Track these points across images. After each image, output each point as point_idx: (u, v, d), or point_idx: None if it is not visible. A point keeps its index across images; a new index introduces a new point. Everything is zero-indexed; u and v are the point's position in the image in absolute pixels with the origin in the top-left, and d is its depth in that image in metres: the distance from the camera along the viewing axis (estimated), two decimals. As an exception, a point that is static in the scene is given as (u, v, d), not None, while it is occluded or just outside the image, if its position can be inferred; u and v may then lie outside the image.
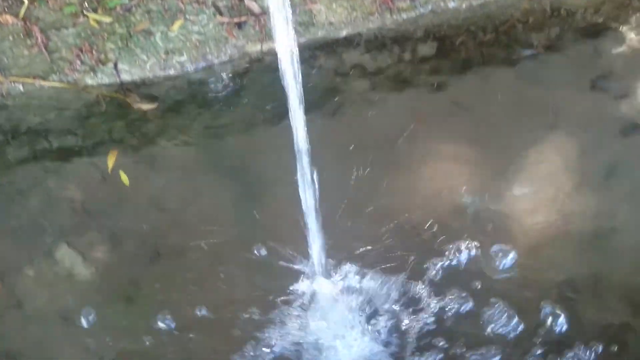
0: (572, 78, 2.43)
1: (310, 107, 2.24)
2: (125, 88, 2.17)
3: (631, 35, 2.51)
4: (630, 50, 2.48)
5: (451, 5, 2.44)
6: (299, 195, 1.56)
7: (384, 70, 2.41)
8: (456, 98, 2.32)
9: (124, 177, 1.92)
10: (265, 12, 2.23)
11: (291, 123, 1.45)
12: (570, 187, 2.09)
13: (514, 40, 2.53)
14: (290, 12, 1.24)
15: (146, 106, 2.12)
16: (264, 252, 1.82)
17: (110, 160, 1.96)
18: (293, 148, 1.50)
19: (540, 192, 2.07)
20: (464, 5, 2.46)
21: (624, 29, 2.55)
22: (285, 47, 1.30)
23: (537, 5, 2.55)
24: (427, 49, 2.47)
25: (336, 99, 2.30)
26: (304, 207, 1.56)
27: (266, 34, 2.26)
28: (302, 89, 1.41)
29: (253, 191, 1.96)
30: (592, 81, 2.41)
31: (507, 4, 2.50)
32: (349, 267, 1.80)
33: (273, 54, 1.32)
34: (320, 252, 1.65)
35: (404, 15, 2.39)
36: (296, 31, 2.23)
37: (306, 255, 1.74)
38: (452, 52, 2.48)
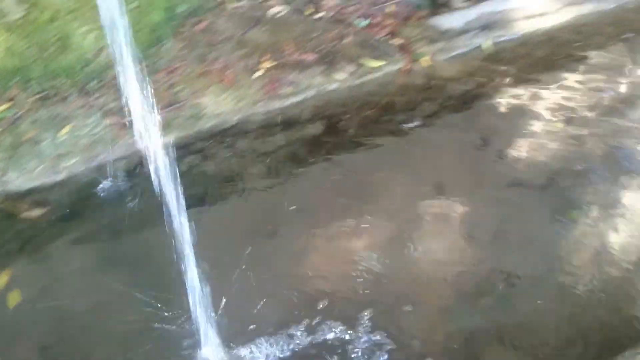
0: (454, 142, 2.61)
1: (205, 198, 2.31)
2: (13, 197, 2.14)
3: (502, 100, 2.74)
4: (502, 113, 2.69)
5: (333, 86, 2.59)
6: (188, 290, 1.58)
7: (277, 153, 2.50)
8: (349, 172, 2.43)
9: (14, 296, 1.87)
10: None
11: (172, 222, 1.48)
12: (462, 244, 2.21)
13: (396, 112, 2.70)
14: (157, 115, 1.31)
15: (35, 213, 2.10)
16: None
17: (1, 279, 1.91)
18: (178, 246, 1.53)
19: (433, 250, 2.16)
20: (345, 86, 2.61)
21: (494, 94, 2.78)
22: (153, 149, 1.35)
23: (412, 80, 2.75)
24: (315, 129, 2.59)
25: (232, 187, 2.36)
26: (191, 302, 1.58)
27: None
28: (179, 187, 1.46)
29: (146, 290, 1.95)
30: (473, 143, 2.60)
31: (384, 81, 2.68)
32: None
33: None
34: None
35: (290, 100, 2.51)
36: (184, 125, 2.31)
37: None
38: (340, 129, 2.62)
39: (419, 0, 3.27)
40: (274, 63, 2.61)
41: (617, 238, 2.18)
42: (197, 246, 1.69)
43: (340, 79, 2.60)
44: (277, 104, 2.50)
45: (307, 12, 2.95)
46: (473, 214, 2.27)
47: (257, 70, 2.58)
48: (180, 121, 2.38)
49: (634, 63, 2.87)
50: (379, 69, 2.67)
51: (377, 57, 2.70)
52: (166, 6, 2.68)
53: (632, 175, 2.40)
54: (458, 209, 2.29)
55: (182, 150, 2.35)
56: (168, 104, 2.43)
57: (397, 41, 2.84)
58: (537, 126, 2.63)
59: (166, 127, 2.33)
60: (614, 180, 2.38)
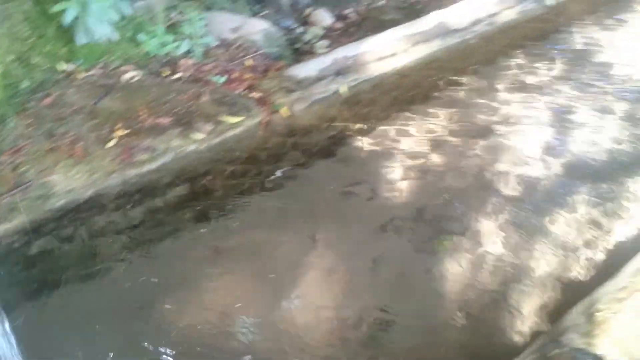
0: (324, 189, 2.62)
1: (59, 283, 2.16)
2: None
3: (365, 141, 2.79)
4: (367, 154, 2.74)
5: (192, 147, 2.53)
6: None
7: (139, 224, 2.40)
8: (220, 236, 2.37)
9: None
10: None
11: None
12: (339, 289, 2.19)
13: (261, 166, 2.68)
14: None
15: None
16: None
17: None
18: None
19: (314, 296, 2.14)
20: (204, 146, 2.56)
21: (357, 136, 2.82)
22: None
23: (273, 131, 2.75)
24: (179, 193, 2.51)
25: (91, 268, 2.24)
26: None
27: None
28: None
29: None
30: (343, 188, 2.61)
31: (245, 135, 2.66)
32: None
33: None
34: None
35: (147, 166, 2.43)
36: (33, 207, 2.17)
37: None
38: (206, 191, 2.56)
39: (278, 51, 3.31)
40: (128, 130, 2.53)
41: (484, 262, 2.24)
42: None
43: (199, 139, 2.56)
44: (133, 172, 2.42)
45: (164, 74, 2.91)
46: (348, 260, 2.28)
47: (110, 139, 2.49)
48: (28, 203, 2.24)
49: (489, 91, 3.01)
50: (238, 124, 2.65)
51: (235, 113, 2.69)
52: (5, 84, 2.55)
53: (495, 200, 2.49)
54: (333, 258, 2.28)
55: (32, 234, 2.21)
56: (13, 186, 2.28)
57: (255, 94, 2.84)
58: (402, 162, 2.69)
59: (11, 212, 2.18)
60: (478, 206, 2.46)
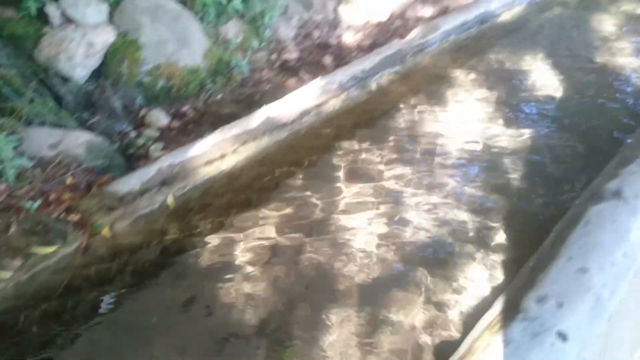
0: (157, 310, 2.44)
1: None
2: None
3: (200, 251, 2.65)
4: (203, 265, 2.60)
5: (-3, 288, 2.28)
6: None
7: None
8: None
9: None
10: None
11: None
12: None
13: (85, 294, 2.47)
14: None
15: None
16: None
17: None
18: None
19: None
20: (13, 284, 2.32)
21: (191, 247, 2.69)
22: None
23: (95, 255, 2.55)
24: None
25: None
26: None
27: None
28: None
29: None
30: (177, 307, 2.45)
31: (59, 266, 2.46)
32: None
33: None
34: None
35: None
36: None
37: None
38: (19, 332, 2.29)
39: (105, 163, 3.14)
40: None
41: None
42: None
43: (6, 278, 2.30)
44: None
45: (-31, 206, 2.64)
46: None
47: None
48: None
49: (323, 182, 3.02)
50: (53, 254, 2.43)
51: (49, 242, 2.48)
52: None
53: (334, 299, 2.44)
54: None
55: None
56: None
57: (74, 216, 2.65)
58: (238, 271, 2.59)
59: None
60: (320, 308, 2.39)
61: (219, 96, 4.17)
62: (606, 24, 4.58)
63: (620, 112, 3.53)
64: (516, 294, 2.13)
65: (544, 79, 3.86)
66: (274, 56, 4.62)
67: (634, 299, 2.31)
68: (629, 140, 3.04)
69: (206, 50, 4.17)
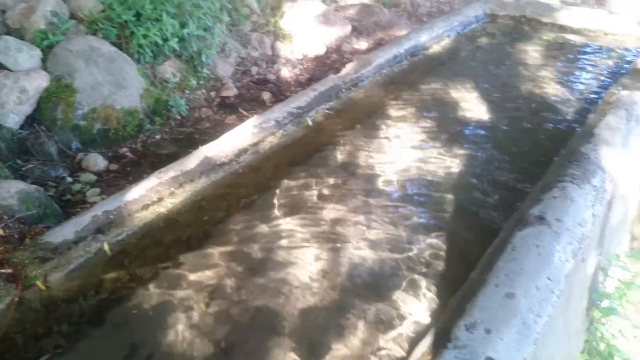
0: (104, 356, 2.40)
1: None
2: None
3: (139, 300, 2.63)
4: (145, 312, 2.57)
5: None
6: None
7: None
8: None
9: None
10: None
11: None
12: None
13: (18, 353, 2.40)
14: None
15: None
16: None
17: None
18: None
19: None
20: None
21: (129, 295, 2.66)
22: None
23: (27, 310, 2.50)
24: None
25: None
26: None
27: None
28: None
29: None
30: (124, 356, 2.41)
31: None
32: None
33: None
34: None
35: None
36: None
37: None
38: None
39: (39, 212, 3.10)
40: None
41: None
42: None
43: None
44: None
45: None
46: None
47: None
48: None
49: (262, 220, 3.05)
50: (-17, 311, 2.36)
51: (-21, 299, 2.40)
52: None
53: (278, 338, 2.45)
54: None
55: None
56: None
57: (6, 270, 2.59)
58: (180, 315, 2.58)
59: None
60: (258, 351, 2.40)
61: (158, 136, 4.18)
62: (530, 52, 4.84)
63: (544, 138, 3.73)
64: (447, 322, 2.21)
65: (473, 107, 4.03)
66: (212, 94, 4.68)
67: (558, 321, 2.43)
68: (551, 166, 3.20)
69: (143, 91, 4.18)
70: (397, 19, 6.31)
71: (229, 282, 2.73)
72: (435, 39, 4.80)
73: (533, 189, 3.01)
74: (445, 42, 4.87)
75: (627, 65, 4.46)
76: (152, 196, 3.00)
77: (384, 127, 3.79)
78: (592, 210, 2.77)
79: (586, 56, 4.80)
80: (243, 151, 3.38)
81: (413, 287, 2.69)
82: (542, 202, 2.79)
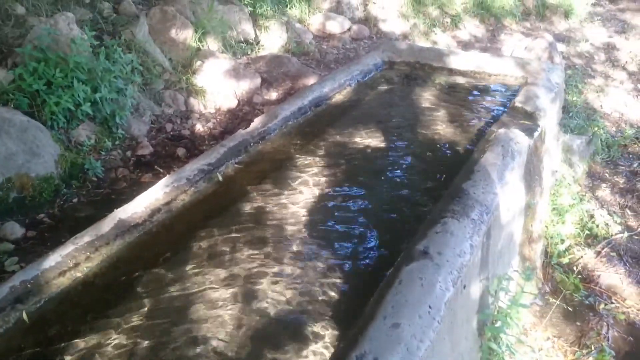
0: None
1: None
2: None
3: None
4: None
5: None
6: None
7: None
8: None
9: None
10: None
11: None
12: None
13: None
14: None
15: None
16: None
17: None
18: None
19: None
20: None
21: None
22: None
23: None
24: None
25: None
26: None
27: None
28: None
29: None
30: None
31: None
32: None
33: None
34: None
35: None
36: None
37: None
38: None
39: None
40: None
41: None
42: None
43: None
44: None
45: None
46: None
47: None
48: None
49: (179, 280, 3.24)
50: None
51: None
52: None
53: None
54: None
55: None
56: None
57: None
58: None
59: None
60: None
61: (75, 200, 4.32)
62: (424, 95, 5.31)
63: (438, 176, 4.13)
64: (340, 355, 2.49)
65: (374, 151, 4.41)
66: (128, 153, 4.86)
67: (444, 343, 2.77)
68: (438, 203, 3.59)
69: (58, 156, 4.33)
70: (306, 68, 6.71)
71: (147, 339, 2.91)
72: (337, 88, 5.20)
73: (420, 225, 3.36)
74: (347, 90, 5.27)
75: (507, 104, 4.99)
76: (69, 262, 3.15)
77: (291, 176, 4.10)
78: (470, 241, 3.14)
79: (473, 97, 5.32)
80: (156, 211, 3.58)
81: (324, 325, 2.96)
82: (427, 237, 3.14)
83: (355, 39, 7.78)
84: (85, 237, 3.31)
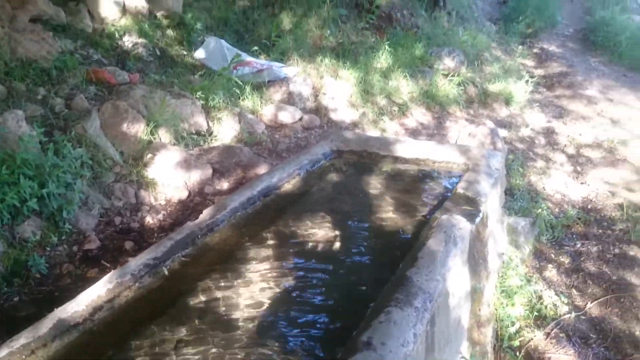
0: None
1: None
2: None
3: None
4: None
5: None
6: None
7: None
8: None
9: None
10: None
11: None
12: None
13: None
14: None
15: None
16: None
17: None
18: None
19: None
20: None
21: None
22: None
23: None
24: None
25: None
26: None
27: None
28: None
29: None
30: None
31: None
32: None
33: None
34: None
35: None
36: None
37: None
38: None
39: None
40: None
41: None
42: None
43: None
44: None
45: None
46: None
47: None
48: None
49: None
50: None
51: None
52: None
53: None
54: None
55: None
56: None
57: None
58: None
59: None
60: None
61: (16, 298, 4.21)
62: (371, 183, 5.47)
63: (385, 263, 4.20)
64: None
65: (322, 240, 4.47)
66: (75, 248, 4.80)
67: None
68: (382, 291, 3.63)
69: (1, 253, 4.25)
70: (257, 158, 6.85)
71: None
72: (286, 178, 5.31)
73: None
74: (296, 180, 5.39)
75: (451, 190, 5.17)
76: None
77: (239, 268, 4.10)
78: (413, 330, 3.18)
79: (418, 184, 5.51)
80: (98, 309, 3.52)
81: None
82: (370, 327, 3.17)
83: (307, 128, 8.03)
84: (21, 339, 3.22)
